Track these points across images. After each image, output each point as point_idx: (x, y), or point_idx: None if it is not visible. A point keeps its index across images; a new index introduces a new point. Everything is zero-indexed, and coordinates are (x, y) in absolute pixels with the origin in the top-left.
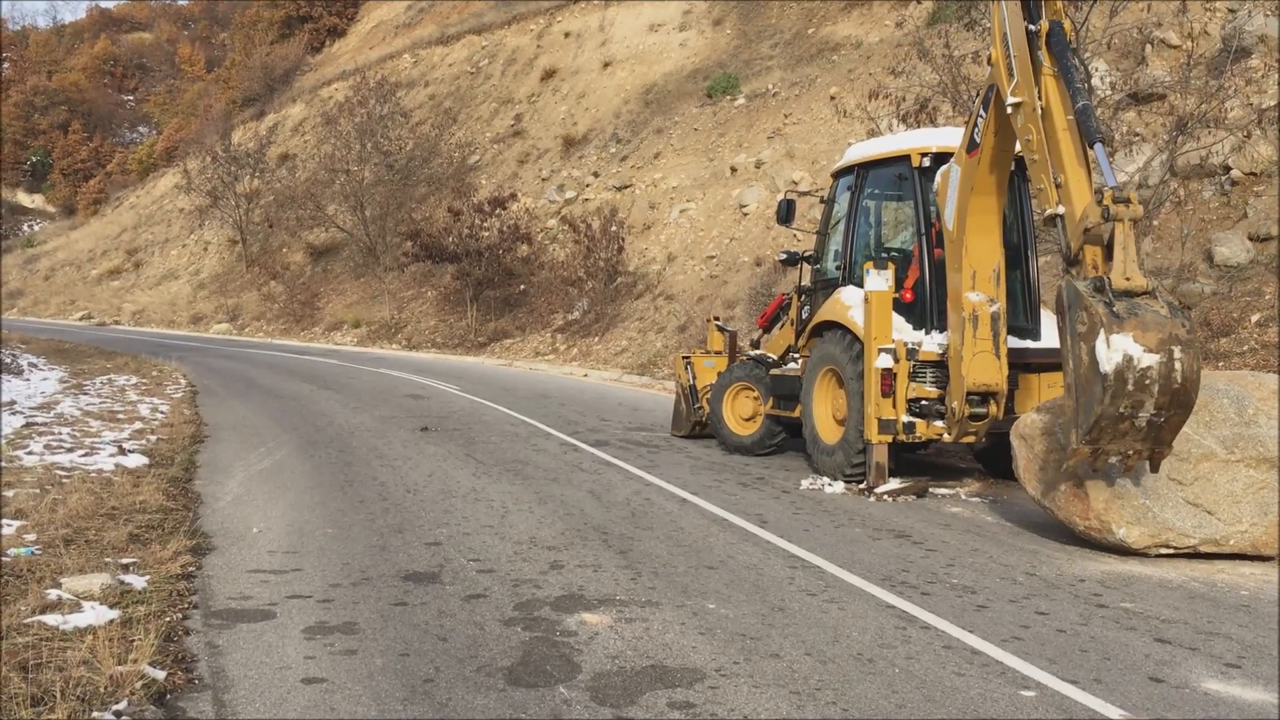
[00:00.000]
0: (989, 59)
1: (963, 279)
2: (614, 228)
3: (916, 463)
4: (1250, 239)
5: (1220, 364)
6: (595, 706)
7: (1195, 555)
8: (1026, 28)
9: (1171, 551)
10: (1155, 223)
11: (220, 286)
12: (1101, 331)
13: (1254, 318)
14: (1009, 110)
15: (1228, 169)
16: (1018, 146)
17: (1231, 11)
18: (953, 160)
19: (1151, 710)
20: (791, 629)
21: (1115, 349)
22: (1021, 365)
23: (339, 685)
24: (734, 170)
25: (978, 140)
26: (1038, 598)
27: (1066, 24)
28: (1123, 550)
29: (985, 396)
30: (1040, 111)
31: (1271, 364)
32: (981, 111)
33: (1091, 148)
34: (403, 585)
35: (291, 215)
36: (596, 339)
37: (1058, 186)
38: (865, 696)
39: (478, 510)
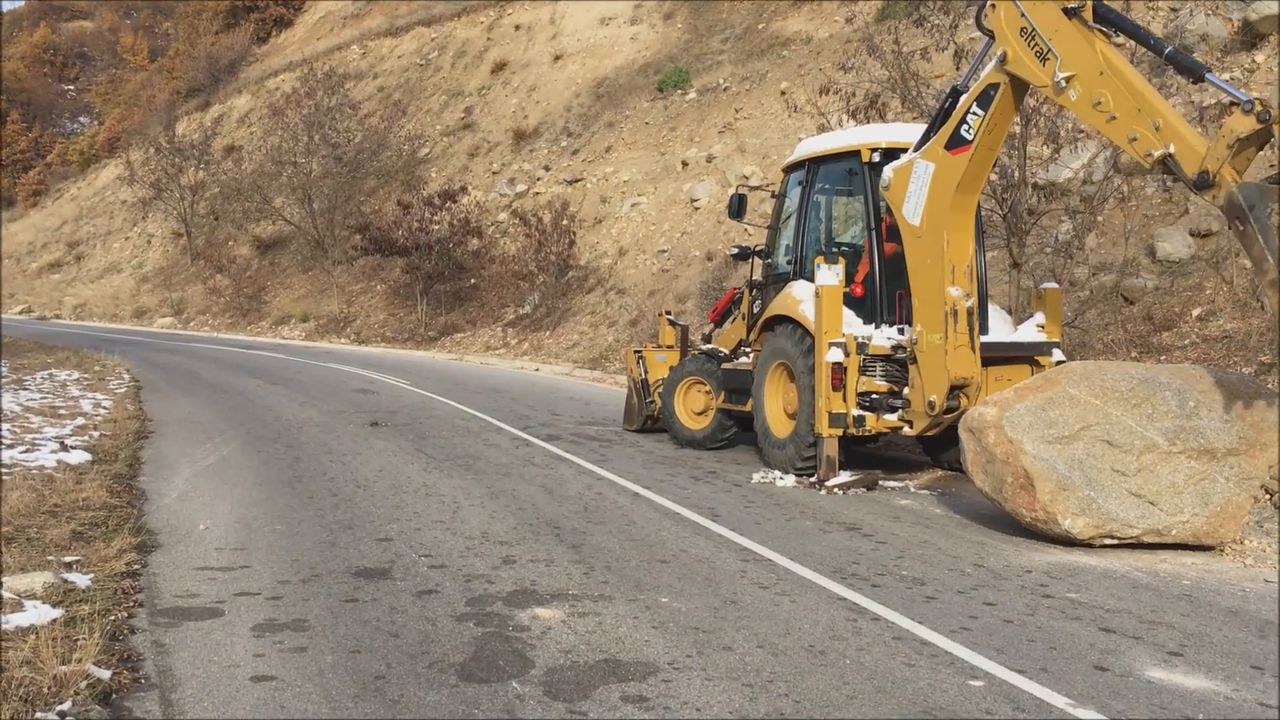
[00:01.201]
0: (997, 55)
1: (944, 274)
2: (565, 221)
3: (867, 456)
4: (1191, 235)
5: (1162, 357)
6: (548, 701)
7: (1139, 545)
8: (1063, 8)
9: (1116, 542)
10: (1100, 219)
11: (164, 280)
12: None
13: (1195, 312)
14: (1059, 87)
15: None
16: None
17: (1174, 10)
18: (915, 156)
19: (1096, 698)
20: (744, 622)
21: None
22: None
23: (289, 683)
24: (685, 164)
25: (968, 137)
26: (985, 589)
27: None
28: (1068, 541)
29: (956, 389)
30: (1104, 74)
31: (1212, 357)
32: (977, 109)
33: (1204, 79)
34: (353, 581)
35: (237, 208)
36: (548, 333)
37: (1156, 129)
38: (817, 688)
39: (429, 505)
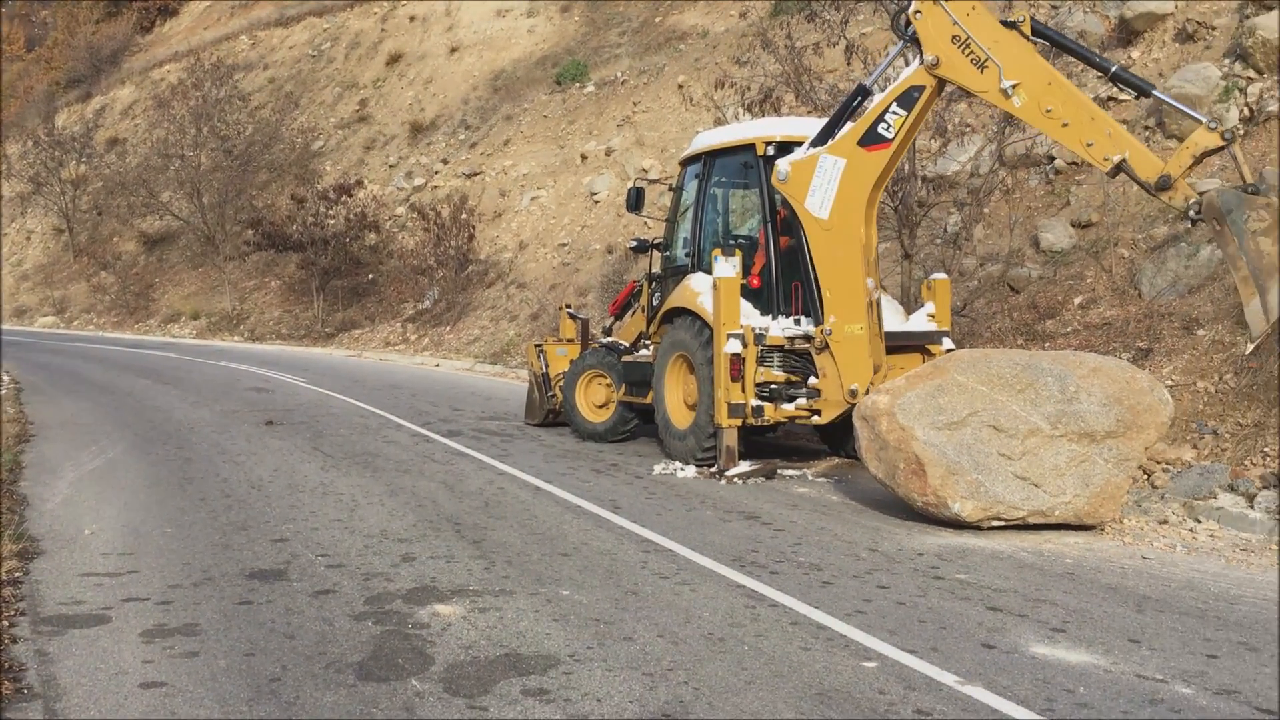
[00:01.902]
0: (924, 59)
1: (861, 266)
2: (464, 215)
3: (767, 446)
4: (1073, 225)
5: (1046, 344)
6: (448, 698)
7: (1025, 527)
8: (1001, 20)
9: (1003, 524)
10: (986, 210)
11: (45, 278)
12: None
13: (1076, 300)
14: (1005, 94)
15: (1051, 159)
16: None
17: (1054, 8)
18: (820, 151)
19: (984, 675)
20: (644, 612)
21: None
22: None
23: (180, 688)
24: (584, 158)
25: (887, 135)
26: (880, 572)
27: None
28: (958, 524)
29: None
30: (1051, 84)
31: (1093, 343)
32: (898, 109)
33: (1150, 95)
34: (247, 584)
35: (122, 202)
36: (448, 328)
37: (1109, 136)
38: (716, 674)
39: (326, 504)
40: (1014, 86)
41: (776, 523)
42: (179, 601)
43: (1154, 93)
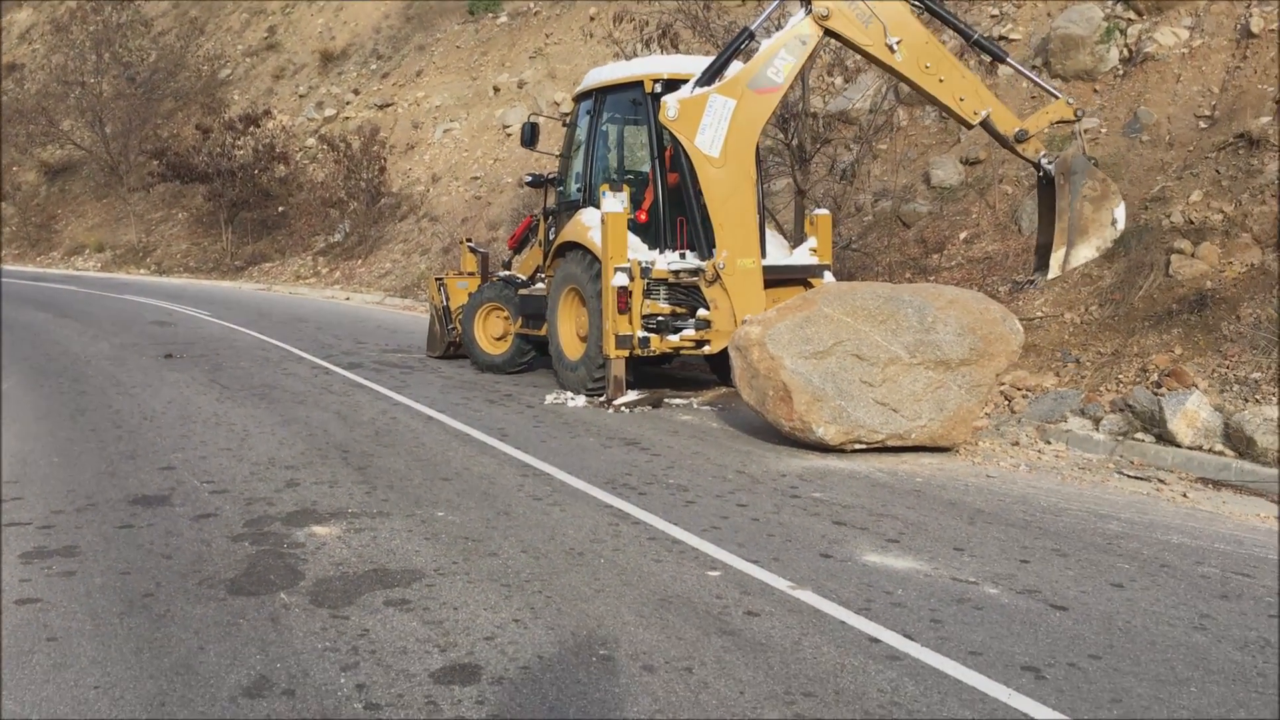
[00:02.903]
0: (812, 10)
1: (752, 201)
2: (375, 147)
3: (664, 377)
4: (962, 163)
5: (932, 277)
6: (313, 609)
7: (885, 449)
8: None
9: (864, 446)
10: (883, 147)
11: None
12: (1118, 198)
13: (962, 235)
14: (890, 49)
15: None
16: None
17: None
18: (710, 90)
19: (814, 580)
20: (513, 531)
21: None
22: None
23: (54, 604)
24: (497, 90)
25: (777, 80)
26: (742, 492)
27: None
28: (823, 447)
29: None
30: (928, 43)
31: (974, 277)
32: (786, 55)
33: (1004, 62)
34: (130, 509)
35: (21, 131)
36: (359, 261)
37: (975, 94)
38: (570, 585)
39: (218, 434)
40: (898, 43)
41: (654, 448)
42: (60, 526)
43: (1007, 60)
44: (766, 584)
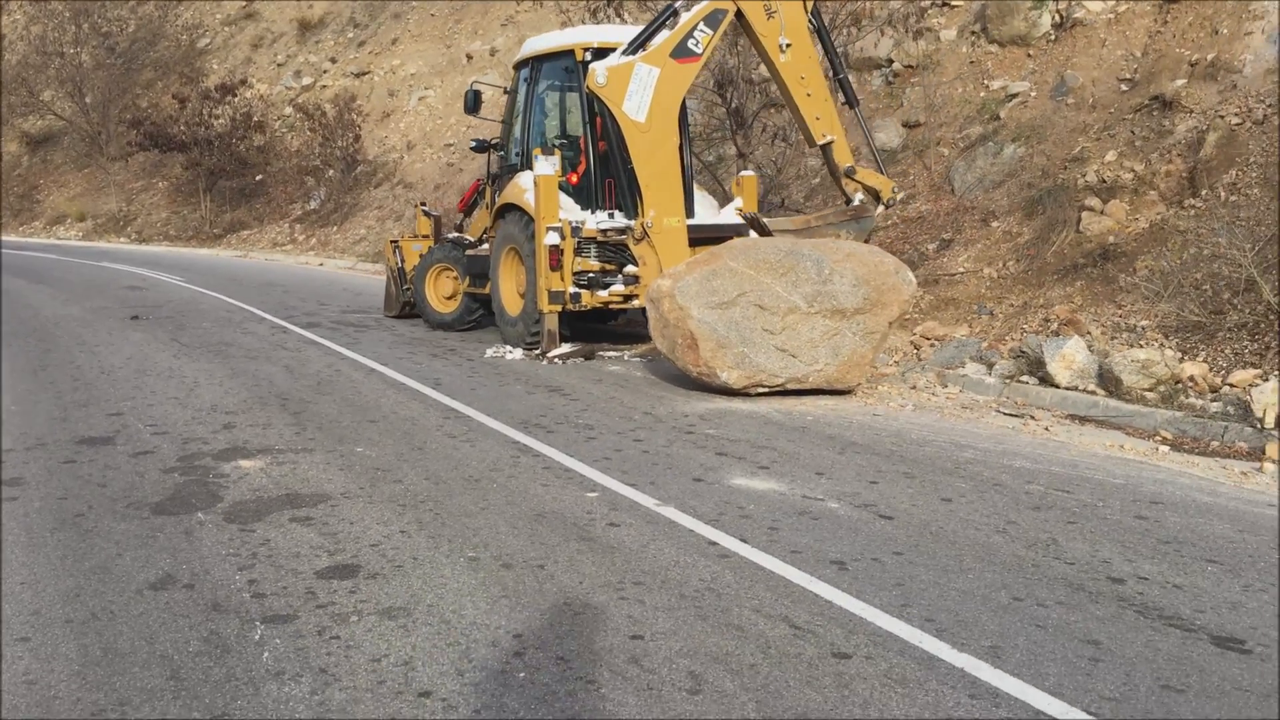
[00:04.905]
0: None
1: (677, 164)
2: (350, 115)
3: (608, 333)
4: (903, 125)
5: (868, 239)
6: (224, 524)
7: (787, 393)
8: None
9: (766, 390)
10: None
11: None
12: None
13: (900, 195)
14: (781, 47)
15: (890, 61)
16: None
17: None
18: (635, 59)
19: (679, 499)
20: (421, 463)
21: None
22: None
23: None
24: (470, 58)
25: (696, 50)
26: (642, 430)
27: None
28: (729, 391)
29: None
30: (810, 58)
31: (907, 235)
32: (705, 28)
33: (854, 109)
34: (76, 448)
35: (2, 102)
36: (335, 228)
37: (829, 120)
38: (459, 505)
39: (169, 385)
40: (788, 46)
41: (575, 394)
42: (8, 462)
43: (856, 110)
44: (636, 502)
